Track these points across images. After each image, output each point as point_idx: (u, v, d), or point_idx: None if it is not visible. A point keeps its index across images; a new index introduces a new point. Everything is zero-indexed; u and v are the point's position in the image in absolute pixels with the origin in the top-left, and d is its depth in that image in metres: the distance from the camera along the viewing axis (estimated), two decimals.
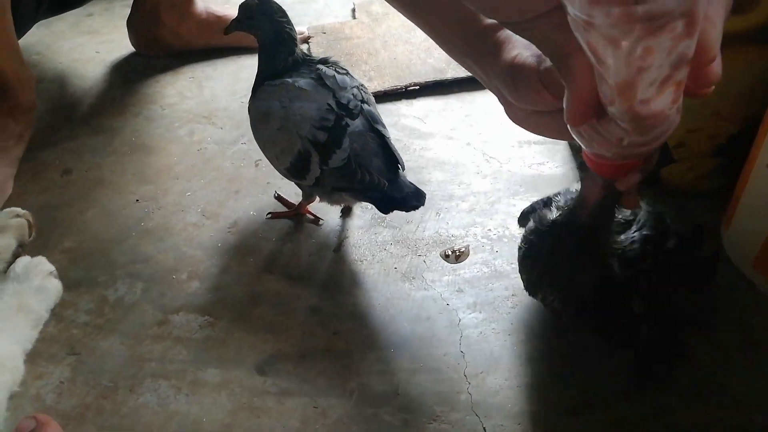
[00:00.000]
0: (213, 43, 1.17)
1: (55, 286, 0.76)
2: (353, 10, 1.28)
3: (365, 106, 0.76)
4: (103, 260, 0.81)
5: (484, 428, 0.62)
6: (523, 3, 0.35)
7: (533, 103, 0.44)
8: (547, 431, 0.61)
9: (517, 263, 0.66)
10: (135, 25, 1.17)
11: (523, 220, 0.72)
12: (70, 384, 0.68)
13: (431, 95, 1.06)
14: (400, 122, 1.01)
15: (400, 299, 0.75)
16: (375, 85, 1.05)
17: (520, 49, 0.44)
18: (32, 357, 0.70)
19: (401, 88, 1.06)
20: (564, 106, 0.36)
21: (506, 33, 0.45)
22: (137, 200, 0.90)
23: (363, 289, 0.76)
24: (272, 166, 0.81)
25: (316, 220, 0.85)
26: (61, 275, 0.77)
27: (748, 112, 0.74)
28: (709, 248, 0.69)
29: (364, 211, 0.86)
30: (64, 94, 1.12)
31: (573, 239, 0.58)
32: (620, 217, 0.64)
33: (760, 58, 0.71)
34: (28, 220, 0.80)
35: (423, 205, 0.72)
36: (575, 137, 0.39)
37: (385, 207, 0.73)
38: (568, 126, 0.38)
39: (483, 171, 0.91)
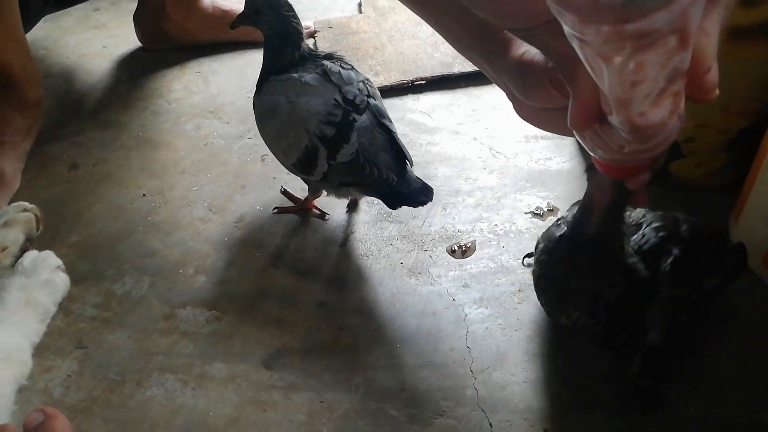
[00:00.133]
0: (219, 37, 1.17)
1: (62, 280, 0.76)
2: (359, 5, 1.27)
3: (371, 101, 0.76)
4: (110, 254, 0.82)
5: (490, 424, 0.62)
6: (528, 12, 0.35)
7: (541, 100, 0.43)
8: (554, 427, 0.61)
9: (534, 289, 0.65)
10: (141, 19, 1.17)
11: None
12: (77, 377, 0.68)
13: (438, 90, 1.05)
14: (406, 117, 1.00)
15: (406, 294, 0.75)
16: (381, 79, 1.05)
17: (528, 46, 0.44)
18: (40, 350, 0.70)
19: (408, 83, 1.05)
20: (569, 110, 0.37)
21: None
22: (144, 195, 0.90)
23: (369, 284, 0.76)
24: (278, 161, 0.81)
25: (323, 215, 0.85)
26: (69, 269, 0.77)
27: (759, 106, 0.73)
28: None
29: (370, 206, 0.86)
30: (71, 89, 1.12)
31: (584, 250, 0.57)
32: (631, 220, 0.63)
33: None
34: (36, 215, 0.81)
35: (431, 200, 0.72)
36: (580, 141, 0.40)
37: (393, 202, 0.73)
38: (573, 130, 0.38)
39: (489, 166, 0.91)
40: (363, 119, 0.74)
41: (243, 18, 0.79)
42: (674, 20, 0.28)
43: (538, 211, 0.83)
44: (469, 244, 0.80)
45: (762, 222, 0.70)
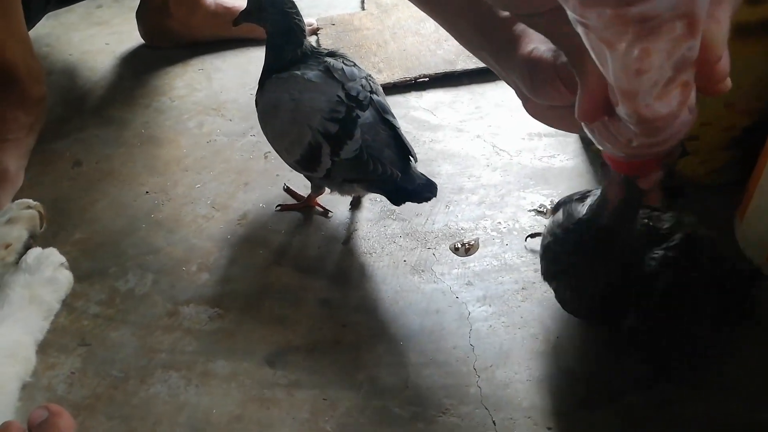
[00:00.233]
0: (222, 34, 1.16)
1: (66, 277, 0.76)
2: (362, 2, 1.27)
3: (374, 97, 0.75)
4: (113, 251, 0.82)
5: (493, 422, 0.62)
6: None
7: (550, 97, 0.43)
8: (557, 425, 0.61)
9: (540, 249, 0.65)
10: (144, 16, 1.17)
11: (555, 208, 0.70)
12: (81, 374, 0.68)
13: (441, 87, 1.05)
14: (409, 114, 1.00)
15: (410, 292, 0.75)
16: (384, 76, 1.05)
17: (537, 43, 0.43)
18: (44, 347, 0.70)
19: (411, 80, 1.05)
20: (576, 101, 0.36)
21: (522, 26, 0.44)
22: (147, 192, 0.90)
23: (372, 282, 0.76)
24: (281, 159, 0.81)
25: (326, 212, 0.85)
26: (72, 266, 0.77)
27: (762, 104, 0.73)
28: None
29: (373, 204, 0.86)
30: (74, 86, 1.12)
31: (592, 241, 0.57)
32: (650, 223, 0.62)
33: None
34: (39, 212, 0.81)
35: (435, 196, 0.72)
36: (589, 135, 0.39)
37: (397, 199, 0.73)
38: (581, 123, 0.37)
39: (493, 163, 0.91)
40: (366, 115, 0.73)
41: (245, 15, 0.79)
42: (679, 4, 0.27)
43: (541, 209, 0.83)
44: (473, 242, 0.79)
45: (766, 220, 0.70)
